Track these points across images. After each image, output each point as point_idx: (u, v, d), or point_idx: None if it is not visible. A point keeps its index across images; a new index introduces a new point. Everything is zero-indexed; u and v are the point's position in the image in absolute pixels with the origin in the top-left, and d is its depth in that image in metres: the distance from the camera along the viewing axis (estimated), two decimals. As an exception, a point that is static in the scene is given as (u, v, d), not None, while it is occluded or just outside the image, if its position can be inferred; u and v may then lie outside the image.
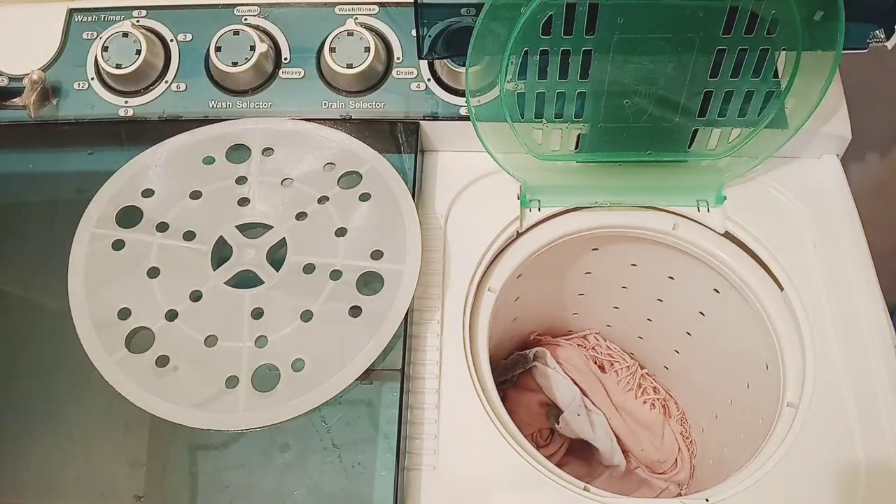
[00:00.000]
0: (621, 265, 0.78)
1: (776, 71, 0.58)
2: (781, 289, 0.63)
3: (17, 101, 0.65)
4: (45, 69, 0.67)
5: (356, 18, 0.66)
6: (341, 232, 0.59)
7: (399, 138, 0.64)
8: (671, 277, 0.76)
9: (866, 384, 0.58)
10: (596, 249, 0.76)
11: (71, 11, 0.68)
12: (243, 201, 0.61)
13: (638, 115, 0.60)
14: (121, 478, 0.52)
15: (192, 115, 0.65)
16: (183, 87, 0.66)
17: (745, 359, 0.71)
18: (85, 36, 0.67)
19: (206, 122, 0.65)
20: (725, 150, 0.63)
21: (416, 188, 0.63)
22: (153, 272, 0.57)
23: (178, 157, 0.63)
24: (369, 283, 0.57)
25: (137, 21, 0.67)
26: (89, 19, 0.68)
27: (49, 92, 0.66)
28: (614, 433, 0.88)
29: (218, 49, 0.64)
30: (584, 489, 0.54)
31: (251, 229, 0.60)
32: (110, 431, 0.54)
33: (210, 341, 0.55)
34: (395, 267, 0.57)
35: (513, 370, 0.88)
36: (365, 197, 0.60)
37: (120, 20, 0.67)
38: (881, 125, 0.89)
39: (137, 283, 0.57)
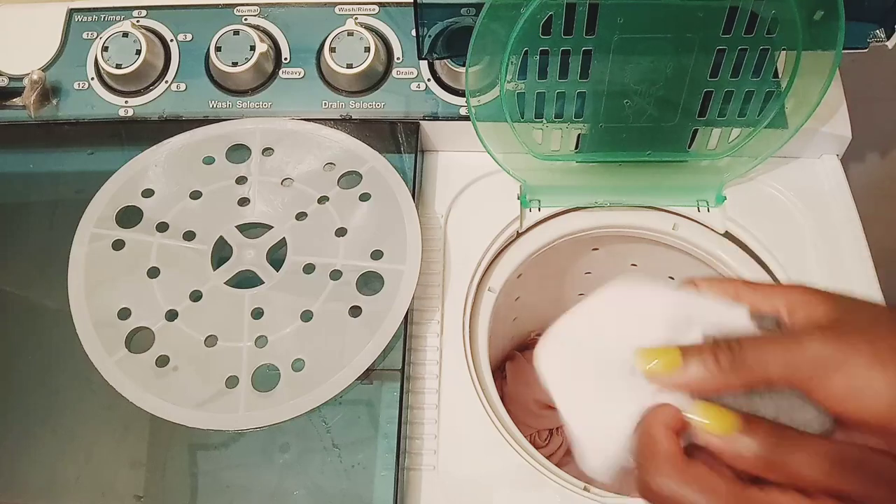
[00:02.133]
0: (621, 265, 0.78)
1: (776, 71, 0.58)
2: (781, 289, 0.63)
3: (17, 101, 0.65)
4: (45, 69, 0.67)
5: (356, 18, 0.66)
6: (341, 232, 0.59)
7: (399, 138, 0.64)
8: (671, 277, 0.76)
9: (866, 384, 0.58)
10: (596, 249, 0.76)
11: (71, 11, 0.68)
12: (243, 201, 0.61)
13: (638, 115, 0.60)
14: (121, 478, 0.52)
15: (192, 115, 0.65)
16: (183, 87, 0.66)
17: (744, 358, 0.70)
18: (85, 36, 0.67)
19: (206, 122, 0.65)
20: (725, 150, 0.63)
21: (416, 188, 0.63)
22: (153, 272, 0.57)
23: (178, 157, 0.63)
24: (369, 283, 0.57)
25: (137, 21, 0.67)
26: (89, 19, 0.68)
27: (49, 92, 0.66)
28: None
29: (218, 49, 0.64)
30: (585, 489, 0.54)
31: (251, 229, 0.60)
32: (110, 431, 0.54)
33: (210, 341, 0.55)
34: (395, 267, 0.57)
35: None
36: (365, 197, 0.60)
37: (120, 20, 0.67)
38: (881, 125, 0.88)
39: (137, 283, 0.57)
